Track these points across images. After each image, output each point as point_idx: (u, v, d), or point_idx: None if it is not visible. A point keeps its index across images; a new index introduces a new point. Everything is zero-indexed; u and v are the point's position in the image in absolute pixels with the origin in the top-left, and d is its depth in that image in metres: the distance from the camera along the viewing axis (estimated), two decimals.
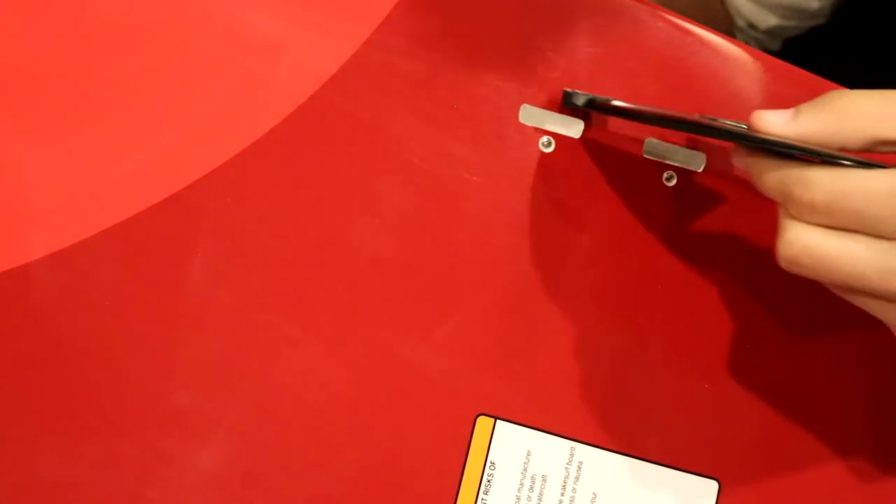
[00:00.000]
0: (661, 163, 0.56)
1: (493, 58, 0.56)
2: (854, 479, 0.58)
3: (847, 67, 0.77)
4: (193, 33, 0.55)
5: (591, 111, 0.56)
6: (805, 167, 0.47)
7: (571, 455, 0.56)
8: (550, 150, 0.56)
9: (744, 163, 0.50)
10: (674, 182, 0.56)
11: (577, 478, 0.56)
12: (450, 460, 0.55)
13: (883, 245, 0.46)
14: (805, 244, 0.47)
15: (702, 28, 0.57)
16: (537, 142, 0.56)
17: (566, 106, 0.56)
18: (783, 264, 0.49)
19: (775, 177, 0.48)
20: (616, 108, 0.54)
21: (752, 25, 0.85)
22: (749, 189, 0.57)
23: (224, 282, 0.54)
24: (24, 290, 0.53)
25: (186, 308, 0.54)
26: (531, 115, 0.56)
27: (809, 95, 0.53)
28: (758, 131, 0.49)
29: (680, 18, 0.57)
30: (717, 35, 0.57)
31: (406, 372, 0.55)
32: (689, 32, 0.57)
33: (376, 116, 0.55)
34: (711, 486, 0.57)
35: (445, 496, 0.55)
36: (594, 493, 0.56)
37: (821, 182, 0.46)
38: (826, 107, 0.48)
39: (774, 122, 0.49)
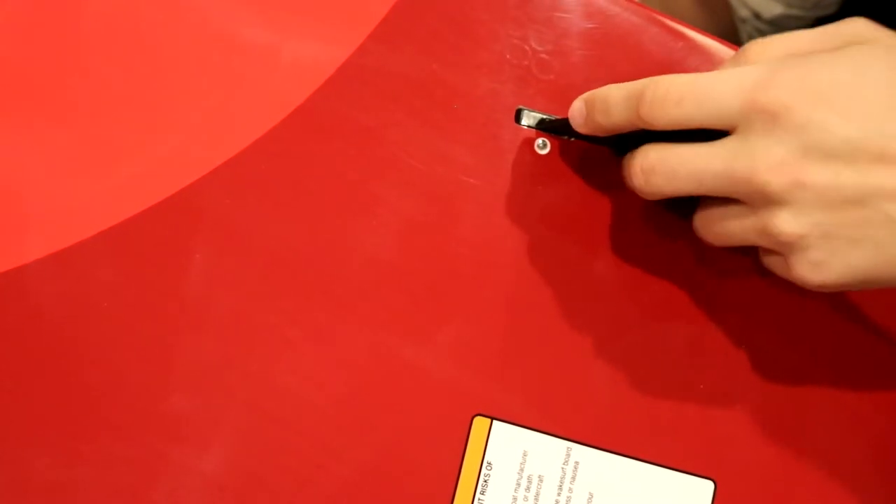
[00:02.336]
0: None
1: (489, 60, 0.56)
2: (852, 479, 0.58)
3: None
4: (192, 37, 0.55)
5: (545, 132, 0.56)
6: (649, 78, 0.50)
7: (568, 455, 0.56)
8: (546, 151, 0.56)
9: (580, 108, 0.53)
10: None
11: (573, 478, 0.56)
12: (446, 460, 0.56)
13: (729, 138, 0.48)
14: (656, 152, 0.50)
15: (696, 31, 0.57)
16: (533, 144, 0.56)
17: (517, 123, 0.56)
18: (637, 182, 0.51)
19: (624, 89, 0.50)
20: (569, 127, 0.54)
21: (756, 15, 0.85)
22: None
23: (223, 283, 0.54)
24: (23, 291, 0.53)
25: (185, 309, 0.54)
26: (526, 118, 0.56)
27: None
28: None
29: (675, 21, 0.57)
30: (712, 38, 0.57)
31: (403, 373, 0.55)
32: (683, 36, 0.57)
33: (373, 119, 0.55)
34: (707, 487, 0.57)
35: (442, 496, 0.55)
36: (590, 494, 0.56)
37: (672, 78, 0.49)
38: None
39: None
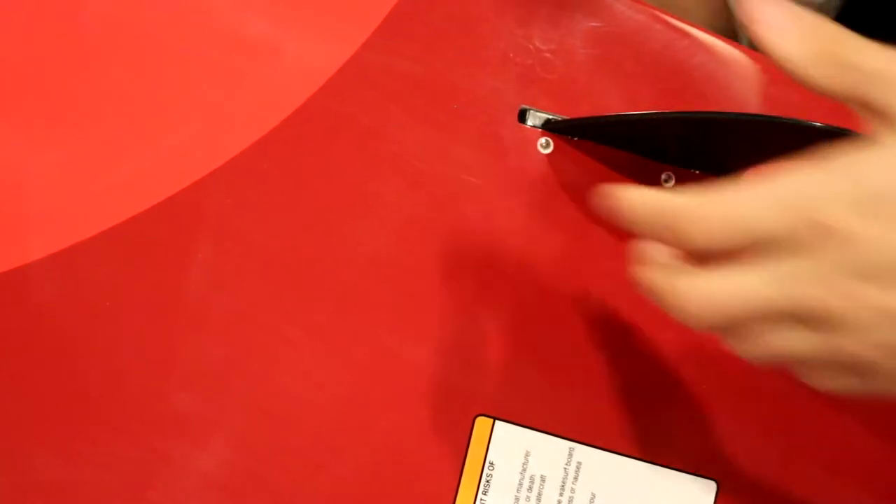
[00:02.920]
0: (659, 164, 0.56)
1: (492, 59, 0.56)
2: (853, 479, 0.58)
3: None
4: (192, 35, 0.55)
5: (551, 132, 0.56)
6: (672, 197, 0.44)
7: (570, 455, 0.56)
8: (549, 151, 0.56)
9: (621, 203, 0.46)
10: (671, 183, 0.56)
11: (575, 478, 0.56)
12: (448, 461, 0.56)
13: (780, 263, 0.42)
14: (703, 291, 0.44)
15: (700, 30, 0.57)
16: (535, 143, 0.56)
17: (521, 123, 0.56)
18: (693, 324, 0.44)
19: (650, 213, 0.44)
20: (573, 126, 0.54)
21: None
22: None
23: (223, 283, 0.54)
24: (24, 291, 0.53)
25: (186, 309, 0.54)
26: (531, 117, 0.56)
27: (807, 97, 0.53)
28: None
29: (679, 20, 0.57)
30: (716, 37, 0.57)
31: (405, 372, 0.55)
32: (687, 35, 0.57)
33: (375, 118, 0.55)
34: (710, 487, 0.57)
35: (444, 496, 0.55)
36: (593, 494, 0.56)
37: (706, 204, 0.43)
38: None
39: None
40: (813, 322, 0.42)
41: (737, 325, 0.44)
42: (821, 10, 0.83)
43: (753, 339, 0.44)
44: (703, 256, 0.44)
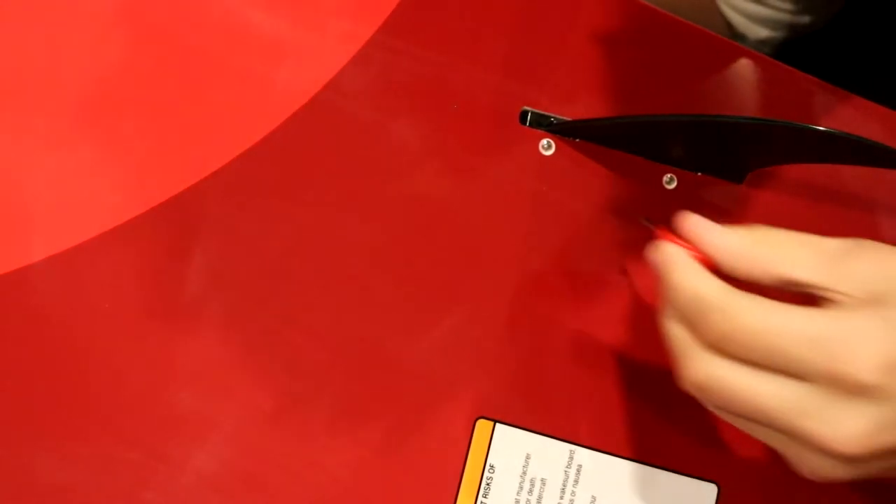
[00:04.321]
0: (661, 166, 0.57)
1: (494, 60, 0.56)
2: (853, 483, 0.58)
3: (846, 67, 0.78)
4: (195, 35, 0.55)
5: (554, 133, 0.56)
6: (725, 293, 0.47)
7: (571, 458, 0.56)
8: (550, 152, 0.56)
9: (662, 260, 0.49)
10: (674, 185, 0.57)
11: (576, 481, 0.56)
12: (449, 463, 0.55)
13: (800, 387, 0.45)
14: (716, 375, 0.47)
15: (704, 31, 0.58)
16: (538, 144, 0.56)
17: (523, 124, 0.56)
18: (688, 388, 0.48)
19: (691, 298, 0.47)
20: (576, 128, 0.55)
21: (740, 36, 0.85)
22: (749, 192, 0.57)
23: (224, 284, 0.54)
24: (25, 292, 0.53)
25: (186, 310, 0.54)
26: (532, 118, 0.56)
27: (804, 98, 0.54)
28: (686, 231, 0.49)
29: (682, 21, 0.57)
30: (719, 38, 0.58)
31: (406, 375, 0.55)
32: (690, 35, 0.57)
33: (376, 119, 0.56)
34: (711, 490, 0.57)
35: (445, 499, 0.55)
36: (593, 497, 0.56)
37: (744, 314, 0.46)
38: (755, 238, 0.48)
39: (704, 226, 0.49)
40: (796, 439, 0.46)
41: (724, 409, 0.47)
42: (808, 28, 0.84)
43: (732, 419, 0.48)
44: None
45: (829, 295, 0.47)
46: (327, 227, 0.55)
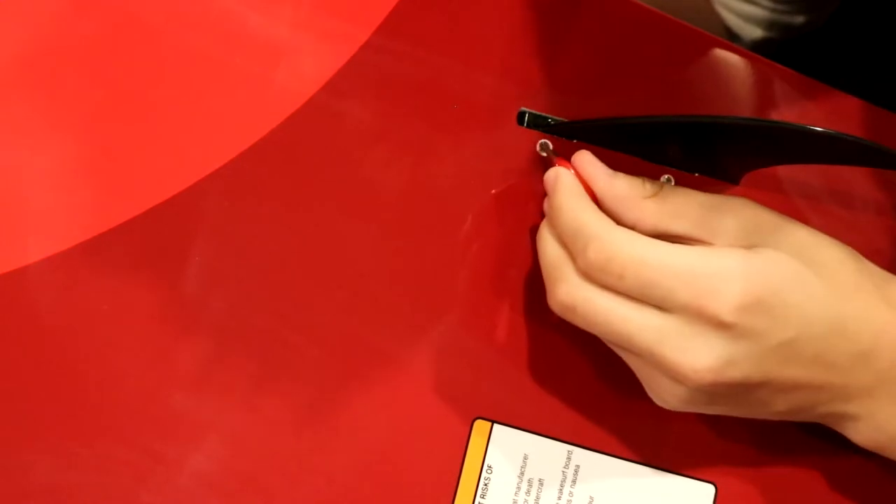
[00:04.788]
0: (658, 166, 0.57)
1: (491, 61, 0.57)
2: (849, 483, 0.58)
3: (841, 67, 0.78)
4: (192, 36, 0.55)
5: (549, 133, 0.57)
6: (606, 224, 0.50)
7: (568, 459, 0.56)
8: (548, 154, 0.56)
9: (554, 180, 0.53)
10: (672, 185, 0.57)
11: (573, 481, 0.56)
12: (447, 464, 0.55)
13: (662, 317, 0.49)
14: (584, 299, 0.50)
15: (700, 32, 0.58)
16: (535, 145, 0.56)
17: (520, 125, 0.56)
18: (555, 307, 0.52)
19: (573, 221, 0.51)
20: (573, 129, 0.55)
21: (735, 37, 0.86)
22: (746, 193, 0.57)
23: (221, 284, 0.54)
24: (22, 293, 0.52)
25: (183, 311, 0.54)
26: (529, 119, 0.56)
27: (800, 98, 0.54)
28: (578, 167, 0.53)
29: (677, 21, 0.57)
30: (715, 39, 0.58)
31: (403, 375, 0.55)
32: (687, 36, 0.58)
33: (374, 120, 0.56)
34: (708, 490, 0.57)
35: (442, 499, 0.55)
36: (591, 497, 0.56)
37: (620, 246, 0.49)
38: (639, 186, 0.52)
39: (595, 167, 0.52)
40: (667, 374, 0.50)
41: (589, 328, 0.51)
42: (803, 29, 0.84)
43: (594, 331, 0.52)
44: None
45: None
46: (326, 228, 0.55)
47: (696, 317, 0.48)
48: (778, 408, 0.51)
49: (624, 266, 0.49)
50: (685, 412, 0.53)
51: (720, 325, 0.48)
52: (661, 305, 0.49)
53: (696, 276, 0.48)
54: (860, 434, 0.52)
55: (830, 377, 0.50)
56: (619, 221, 0.52)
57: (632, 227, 0.51)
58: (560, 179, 0.53)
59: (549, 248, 0.52)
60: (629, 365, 0.52)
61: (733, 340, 0.48)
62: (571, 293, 0.50)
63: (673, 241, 0.51)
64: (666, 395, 0.51)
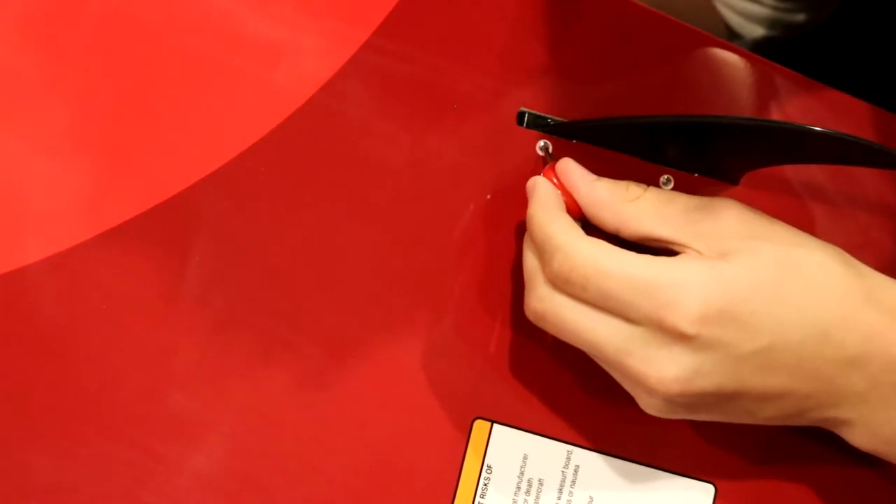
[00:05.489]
0: (658, 167, 0.57)
1: (491, 62, 0.56)
2: (848, 483, 0.58)
3: (845, 66, 0.78)
4: (192, 37, 0.55)
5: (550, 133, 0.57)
6: (572, 235, 0.50)
7: (568, 459, 0.56)
8: (546, 155, 0.56)
9: (531, 190, 0.54)
10: (671, 186, 0.57)
11: (573, 481, 0.56)
12: (446, 464, 0.55)
13: (628, 328, 0.49)
14: (553, 308, 0.51)
15: (700, 32, 0.58)
16: (534, 146, 0.56)
17: (520, 125, 0.56)
18: (529, 315, 0.52)
19: (540, 233, 0.51)
20: (573, 129, 0.55)
21: (737, 36, 0.85)
22: (746, 193, 0.57)
23: (221, 285, 0.54)
24: (21, 294, 0.53)
25: (183, 311, 0.54)
26: (529, 119, 0.56)
27: (799, 98, 0.54)
28: (561, 175, 0.53)
29: (677, 22, 0.57)
30: (715, 39, 0.58)
31: (403, 375, 0.55)
32: (687, 37, 0.57)
33: (373, 120, 0.56)
34: (708, 490, 0.57)
35: (442, 499, 0.55)
36: (590, 497, 0.56)
37: (582, 257, 0.49)
38: (622, 190, 0.52)
39: (576, 174, 0.53)
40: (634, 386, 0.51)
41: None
42: (804, 27, 0.84)
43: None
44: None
45: (685, 251, 0.50)
46: (325, 228, 0.55)
47: (659, 328, 0.48)
48: (765, 414, 0.51)
49: (586, 277, 0.49)
50: None
51: (682, 337, 0.48)
52: (625, 316, 0.49)
53: (657, 288, 0.48)
54: (856, 437, 0.52)
55: (817, 385, 0.50)
56: (603, 228, 0.52)
57: (615, 233, 0.52)
58: (536, 189, 0.53)
59: (528, 257, 0.52)
60: (610, 373, 0.52)
61: (698, 351, 0.48)
62: (543, 301, 0.51)
63: (657, 246, 0.51)
64: (647, 405, 0.51)
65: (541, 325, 0.52)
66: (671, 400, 0.49)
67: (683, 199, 0.51)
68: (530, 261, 0.52)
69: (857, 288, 0.50)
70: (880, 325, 0.49)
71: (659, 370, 0.48)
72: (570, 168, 0.53)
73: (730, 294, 0.48)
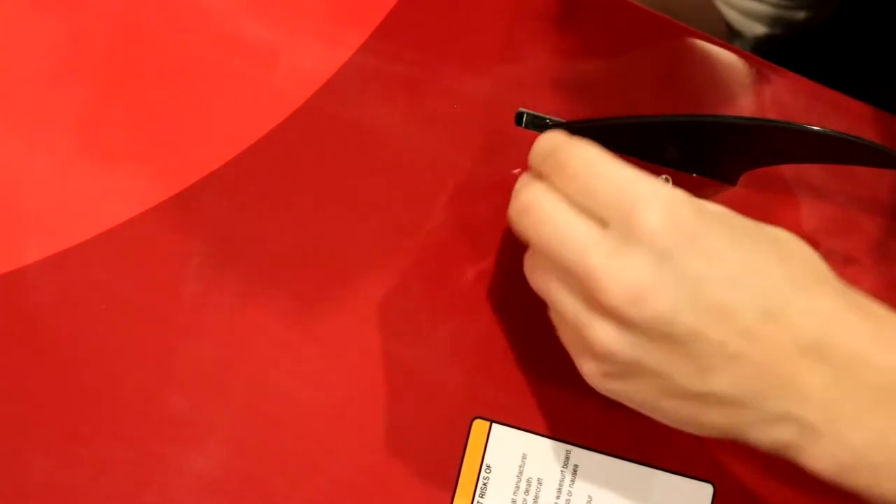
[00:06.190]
0: (656, 167, 0.57)
1: (489, 62, 0.57)
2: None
3: (843, 66, 0.78)
4: (191, 38, 0.55)
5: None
6: (577, 140, 0.50)
7: (567, 458, 0.56)
8: None
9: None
10: (669, 185, 0.56)
11: (572, 481, 0.56)
12: (445, 463, 0.56)
13: (599, 232, 0.47)
14: (543, 202, 0.49)
15: (699, 34, 0.58)
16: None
17: (518, 125, 0.56)
18: (513, 207, 0.50)
19: (552, 140, 0.51)
20: (571, 129, 0.55)
21: (737, 34, 0.86)
22: (745, 192, 0.58)
23: (220, 285, 0.54)
24: (21, 294, 0.53)
25: (182, 311, 0.54)
26: (527, 119, 0.56)
27: (798, 99, 0.54)
28: None
29: (676, 22, 0.57)
30: (713, 40, 0.58)
31: (402, 375, 0.55)
32: (685, 37, 0.58)
33: (372, 120, 0.56)
34: (706, 490, 0.57)
35: (441, 499, 0.55)
36: (589, 496, 0.56)
37: (580, 151, 0.49)
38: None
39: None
40: (591, 297, 0.47)
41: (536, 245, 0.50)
42: (804, 25, 0.84)
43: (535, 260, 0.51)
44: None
45: None
46: (324, 229, 0.55)
47: (627, 226, 0.46)
48: (718, 384, 0.47)
49: (575, 168, 0.48)
50: None
51: (646, 237, 0.46)
52: (601, 216, 0.47)
53: (636, 186, 0.47)
54: (819, 455, 0.48)
55: (774, 362, 0.46)
56: None
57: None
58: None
59: (528, 181, 0.51)
60: (560, 336, 0.51)
61: (661, 261, 0.46)
62: (526, 196, 0.49)
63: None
64: (598, 333, 0.47)
65: (523, 220, 0.50)
66: (626, 318, 0.46)
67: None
68: (528, 180, 0.51)
69: (828, 280, 0.48)
70: (844, 315, 0.47)
71: (620, 269, 0.46)
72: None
73: (700, 220, 0.46)
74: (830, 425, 0.47)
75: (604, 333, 0.47)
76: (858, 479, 0.47)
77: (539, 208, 0.49)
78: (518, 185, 0.51)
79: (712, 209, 0.48)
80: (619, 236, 0.46)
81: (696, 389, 0.47)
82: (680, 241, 0.46)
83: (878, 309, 0.48)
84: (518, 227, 0.50)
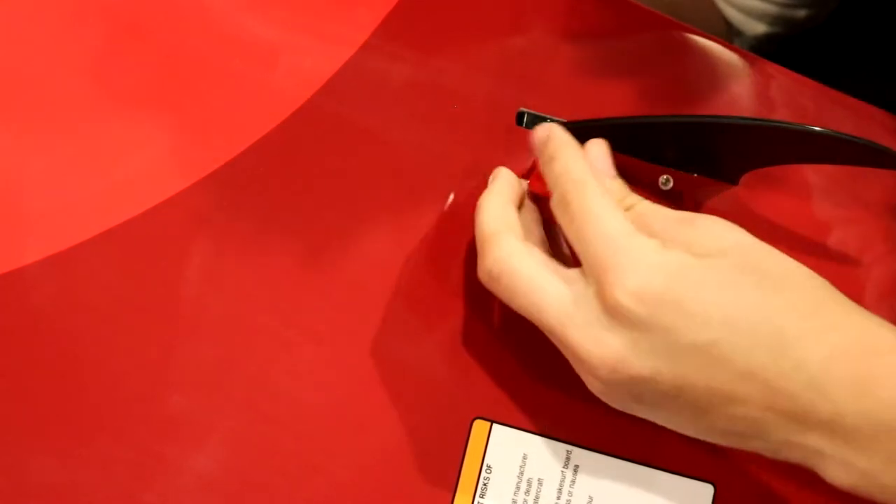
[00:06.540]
0: (657, 167, 0.57)
1: (490, 62, 0.56)
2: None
3: (843, 66, 0.78)
4: (191, 38, 0.55)
5: None
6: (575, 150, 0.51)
7: (568, 458, 0.56)
8: None
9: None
10: (670, 186, 0.56)
11: (573, 481, 0.56)
12: (446, 464, 0.55)
13: (578, 292, 0.48)
14: (513, 266, 0.50)
15: (699, 33, 0.58)
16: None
17: (519, 125, 0.56)
18: (482, 270, 0.51)
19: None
20: (571, 129, 0.55)
21: (737, 33, 0.86)
22: (745, 193, 0.57)
23: (220, 285, 0.54)
24: (21, 294, 0.53)
25: (183, 311, 0.54)
26: (528, 120, 0.56)
27: (799, 99, 0.54)
28: (591, 154, 0.53)
29: (676, 22, 0.57)
30: (715, 40, 0.58)
31: (402, 375, 0.55)
32: (686, 37, 0.58)
33: (372, 120, 0.56)
34: (707, 490, 0.57)
35: (441, 500, 0.55)
36: (590, 497, 0.56)
37: (500, 255, 0.50)
38: (623, 194, 0.52)
39: (601, 164, 0.53)
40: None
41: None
42: (805, 24, 0.84)
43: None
44: None
45: None
46: (325, 228, 0.55)
47: (602, 300, 0.47)
48: (719, 423, 0.48)
49: (574, 212, 0.49)
50: None
51: (616, 309, 0.46)
52: (584, 265, 0.48)
53: (614, 249, 0.47)
54: (831, 473, 0.48)
55: (774, 399, 0.46)
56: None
57: None
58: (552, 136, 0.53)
59: (489, 214, 0.52)
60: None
61: (633, 329, 0.46)
62: (503, 255, 0.50)
63: None
64: (588, 384, 0.50)
65: (493, 288, 0.51)
66: (609, 380, 0.48)
67: (669, 211, 0.50)
68: (494, 214, 0.52)
69: (831, 308, 0.47)
70: (848, 343, 0.46)
71: (595, 342, 0.47)
72: (601, 155, 0.53)
73: (678, 279, 0.46)
74: (836, 453, 0.47)
75: (596, 388, 0.49)
76: (873, 495, 0.47)
77: (509, 274, 0.50)
78: (486, 237, 0.51)
79: (696, 266, 0.47)
80: (596, 302, 0.47)
81: (699, 427, 0.49)
82: (654, 310, 0.46)
83: (882, 343, 0.47)
84: (491, 290, 0.51)
